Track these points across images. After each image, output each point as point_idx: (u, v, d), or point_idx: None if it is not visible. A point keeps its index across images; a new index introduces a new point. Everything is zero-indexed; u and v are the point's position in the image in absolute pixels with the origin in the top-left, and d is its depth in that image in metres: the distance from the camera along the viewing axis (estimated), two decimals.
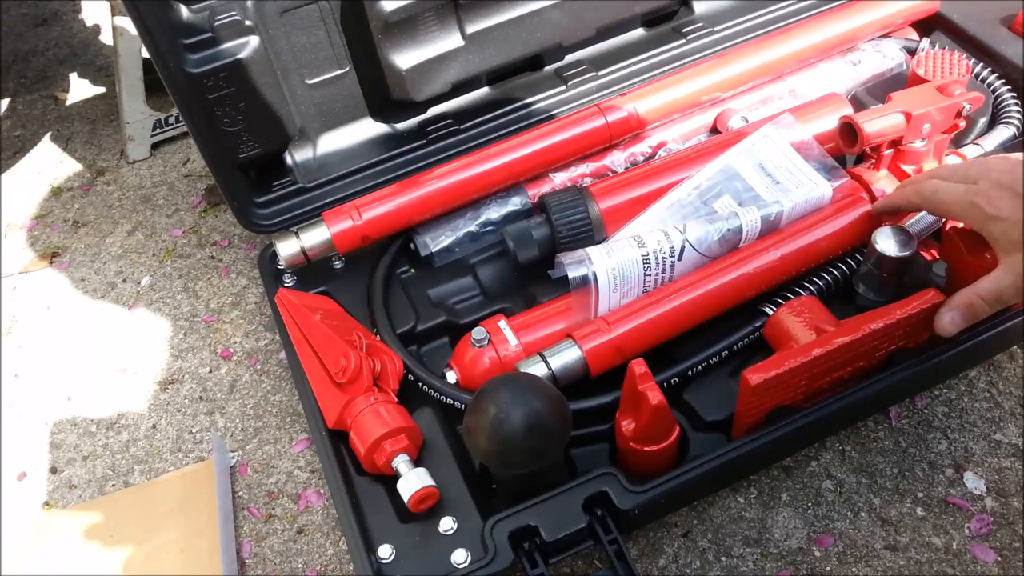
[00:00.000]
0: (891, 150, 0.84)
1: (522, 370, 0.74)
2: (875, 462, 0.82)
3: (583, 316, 0.80)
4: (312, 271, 0.91)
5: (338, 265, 0.92)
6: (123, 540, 0.84)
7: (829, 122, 0.90)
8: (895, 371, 0.73)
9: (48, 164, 1.32)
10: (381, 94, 0.96)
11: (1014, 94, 0.92)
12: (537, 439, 0.64)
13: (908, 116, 0.80)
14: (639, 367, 0.67)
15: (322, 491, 0.87)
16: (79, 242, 1.18)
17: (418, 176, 0.91)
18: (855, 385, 0.72)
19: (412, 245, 0.92)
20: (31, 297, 1.12)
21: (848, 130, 0.80)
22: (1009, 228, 0.65)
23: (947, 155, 0.87)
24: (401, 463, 0.72)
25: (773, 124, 0.88)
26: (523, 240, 0.86)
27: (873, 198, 0.83)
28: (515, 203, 0.93)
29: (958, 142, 0.90)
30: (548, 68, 1.03)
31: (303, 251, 0.88)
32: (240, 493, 0.88)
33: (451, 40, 0.93)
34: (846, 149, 0.82)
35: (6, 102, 1.45)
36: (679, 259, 0.80)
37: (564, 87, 1.01)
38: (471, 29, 0.93)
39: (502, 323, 0.80)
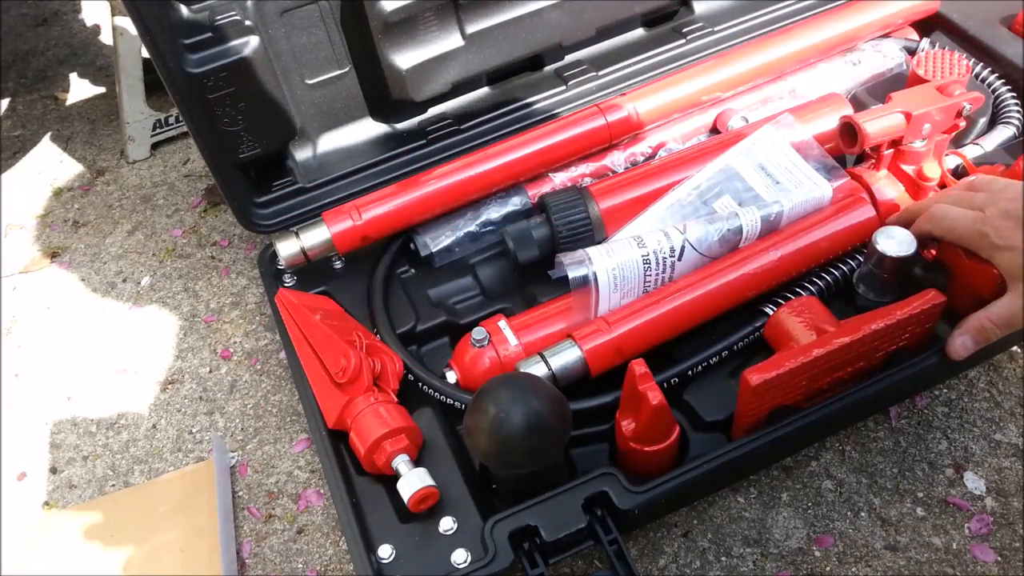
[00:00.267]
0: (891, 150, 0.84)
1: (522, 370, 0.74)
2: (875, 462, 0.82)
3: (583, 316, 0.80)
4: (312, 271, 0.91)
5: (338, 265, 0.92)
6: (123, 540, 0.84)
7: (829, 122, 0.90)
8: (895, 371, 0.73)
9: (48, 164, 1.32)
10: (381, 94, 0.96)
11: (1014, 94, 0.92)
12: (537, 439, 0.64)
13: (908, 116, 0.80)
14: (639, 367, 0.67)
15: (322, 491, 0.87)
16: (79, 242, 1.18)
17: (418, 176, 0.91)
18: (855, 385, 0.72)
19: (412, 245, 0.92)
20: (31, 297, 1.12)
21: (848, 130, 0.80)
22: (1016, 257, 0.67)
23: (947, 155, 0.87)
24: (401, 463, 0.72)
25: (773, 124, 0.88)
26: (523, 240, 0.86)
27: (873, 198, 0.83)
28: (515, 203, 0.93)
29: (958, 142, 0.90)
30: (548, 68, 1.03)
31: (303, 251, 0.88)
32: (240, 493, 0.88)
33: (451, 40, 0.93)
34: (846, 149, 0.82)
35: (6, 102, 1.45)
36: (679, 259, 0.80)
37: (564, 87, 1.01)
38: (471, 29, 0.93)
39: (502, 323, 0.80)
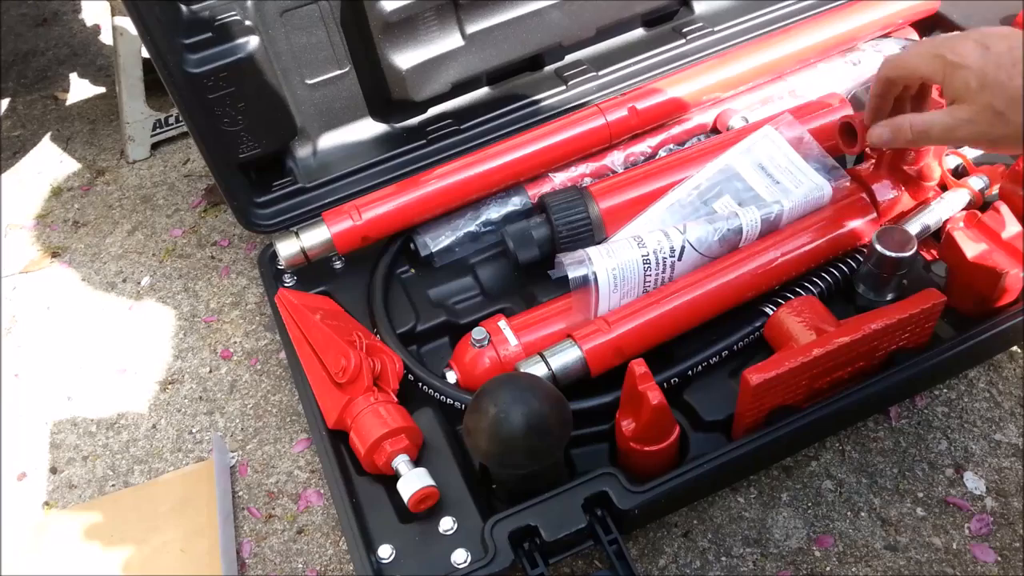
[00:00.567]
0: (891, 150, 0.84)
1: (522, 370, 0.74)
2: (875, 462, 0.82)
3: (583, 316, 0.80)
4: (312, 271, 0.91)
5: (338, 265, 0.92)
6: (123, 540, 0.84)
7: (829, 122, 0.90)
8: (895, 371, 0.73)
9: (48, 164, 1.32)
10: (381, 94, 0.96)
11: None
12: (537, 439, 0.64)
13: None
14: (639, 367, 0.67)
15: (322, 491, 0.87)
16: (79, 242, 1.18)
17: (418, 176, 0.91)
18: (855, 385, 0.72)
19: (412, 245, 0.92)
20: (31, 297, 1.12)
21: (848, 130, 0.80)
22: (969, 76, 0.65)
23: (947, 155, 0.87)
24: (401, 463, 0.72)
25: (773, 124, 0.88)
26: (523, 240, 0.86)
27: (873, 198, 0.83)
28: (515, 203, 0.93)
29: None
30: (548, 68, 1.03)
31: (303, 251, 0.88)
32: (240, 493, 0.88)
33: (451, 40, 0.93)
34: (846, 149, 0.82)
35: (6, 102, 1.45)
36: (679, 259, 0.80)
37: (564, 87, 1.01)
38: (471, 29, 0.93)
39: (502, 323, 0.80)
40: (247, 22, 0.84)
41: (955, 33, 0.69)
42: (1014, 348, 0.88)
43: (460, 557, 0.68)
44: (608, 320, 0.77)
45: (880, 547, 0.77)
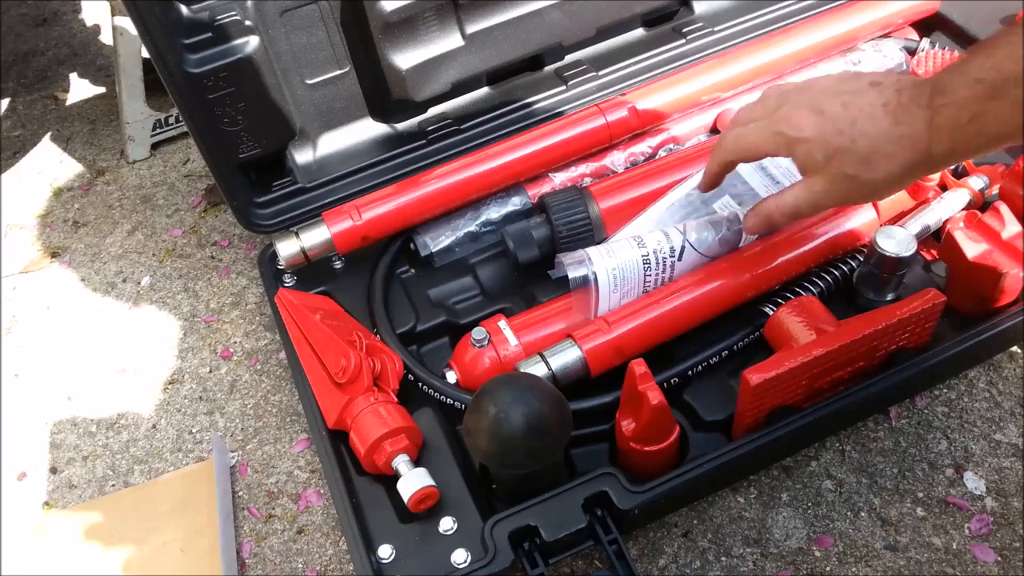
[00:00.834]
0: None
1: (522, 370, 0.74)
2: (875, 462, 0.82)
3: (583, 316, 0.80)
4: (312, 271, 0.91)
5: (338, 265, 0.92)
6: (123, 540, 0.84)
7: None
8: (895, 371, 0.73)
9: (48, 164, 1.32)
10: (381, 94, 0.96)
11: None
12: (537, 439, 0.64)
13: None
14: (639, 367, 0.67)
15: (322, 491, 0.87)
16: (79, 242, 1.18)
17: (418, 176, 0.91)
18: (855, 385, 0.72)
19: (412, 245, 0.92)
20: (31, 297, 1.12)
21: None
22: (812, 148, 0.63)
23: None
24: (401, 463, 0.72)
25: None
26: (523, 240, 0.86)
27: None
28: (515, 203, 0.93)
29: None
30: (548, 68, 1.03)
31: (303, 251, 0.88)
32: (240, 493, 0.88)
33: (451, 40, 0.93)
34: None
35: (6, 102, 1.45)
36: (679, 259, 0.80)
37: (564, 87, 1.01)
38: (471, 29, 0.93)
39: (502, 323, 0.80)
40: (247, 22, 0.84)
41: (792, 95, 0.66)
42: (1014, 348, 0.88)
43: (460, 557, 0.68)
44: (608, 320, 0.77)
45: (880, 547, 0.77)
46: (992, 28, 0.98)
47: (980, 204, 0.84)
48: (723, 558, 0.77)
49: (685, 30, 1.04)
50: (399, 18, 0.89)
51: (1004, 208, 0.76)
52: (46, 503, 0.91)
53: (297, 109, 0.93)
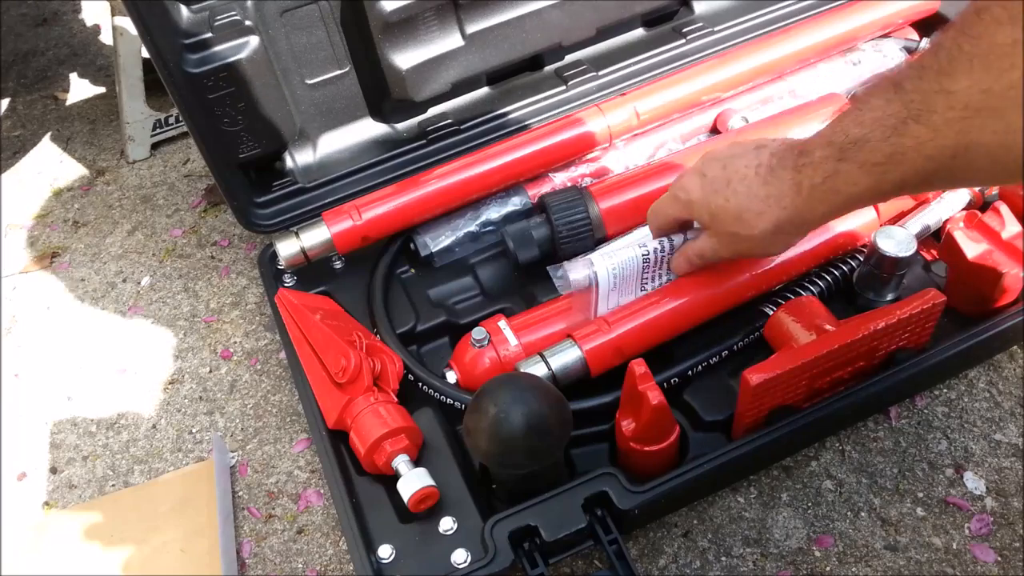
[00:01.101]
0: None
1: (522, 370, 0.74)
2: (875, 462, 0.82)
3: (583, 316, 0.80)
4: (312, 271, 0.91)
5: (338, 265, 0.92)
6: (123, 540, 0.84)
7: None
8: (895, 371, 0.73)
9: (48, 164, 1.32)
10: (381, 94, 0.96)
11: None
12: (537, 439, 0.64)
13: None
14: (639, 367, 0.67)
15: (322, 491, 0.87)
16: (79, 242, 1.18)
17: (418, 176, 0.91)
18: (855, 385, 0.72)
19: (412, 245, 0.92)
20: (31, 297, 1.12)
21: None
22: (699, 209, 0.69)
23: None
24: (401, 463, 0.72)
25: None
26: (523, 240, 0.86)
27: None
28: (515, 203, 0.93)
29: None
30: (548, 68, 1.03)
31: (303, 251, 0.88)
32: (240, 493, 0.88)
33: (451, 40, 0.93)
34: None
35: (6, 102, 1.45)
36: None
37: (564, 87, 1.01)
38: (471, 29, 0.93)
39: (502, 323, 0.80)
40: (247, 22, 0.84)
41: (696, 162, 0.70)
42: (1014, 348, 0.88)
43: (460, 557, 0.68)
44: (608, 320, 0.77)
45: (880, 547, 0.77)
46: None
47: (980, 204, 0.84)
48: (723, 558, 0.77)
49: (685, 30, 1.04)
50: (399, 18, 0.89)
51: (1004, 208, 0.76)
52: (46, 503, 0.91)
53: (297, 109, 0.93)
